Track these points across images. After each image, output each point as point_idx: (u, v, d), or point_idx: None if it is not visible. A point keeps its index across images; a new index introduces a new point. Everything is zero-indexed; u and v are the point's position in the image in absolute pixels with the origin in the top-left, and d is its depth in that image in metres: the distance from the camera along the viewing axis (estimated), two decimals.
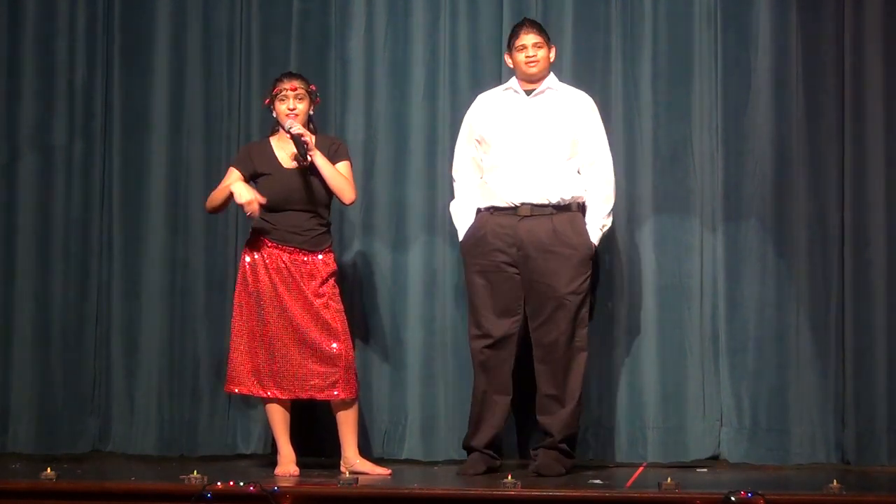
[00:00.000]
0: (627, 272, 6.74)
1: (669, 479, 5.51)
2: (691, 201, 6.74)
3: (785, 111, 6.70)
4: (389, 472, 6.27)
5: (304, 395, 6.24)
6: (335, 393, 6.22)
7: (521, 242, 6.22)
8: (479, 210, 6.33)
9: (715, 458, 6.65)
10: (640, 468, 6.53)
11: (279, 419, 6.27)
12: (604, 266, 6.74)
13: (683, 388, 6.69)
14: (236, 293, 6.29)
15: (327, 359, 6.21)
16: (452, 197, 6.46)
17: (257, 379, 6.24)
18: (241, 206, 6.22)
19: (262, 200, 6.19)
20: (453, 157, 6.49)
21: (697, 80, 6.76)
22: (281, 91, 6.29)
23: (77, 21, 7.11)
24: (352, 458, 6.28)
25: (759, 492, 5.25)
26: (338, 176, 6.26)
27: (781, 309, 6.65)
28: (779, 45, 6.71)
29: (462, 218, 6.36)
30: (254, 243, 6.28)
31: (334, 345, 6.21)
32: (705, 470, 6.49)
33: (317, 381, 6.21)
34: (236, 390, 6.30)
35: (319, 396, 6.24)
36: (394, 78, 6.93)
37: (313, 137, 6.34)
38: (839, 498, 5.38)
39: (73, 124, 7.10)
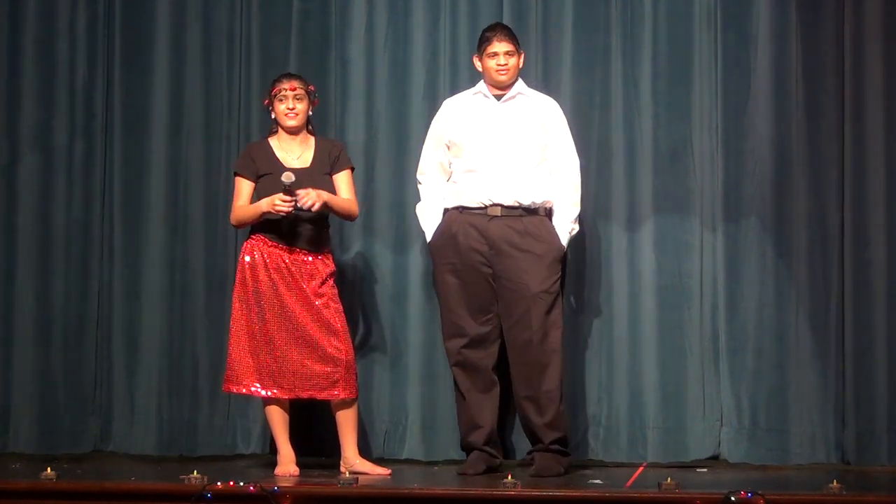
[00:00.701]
0: (627, 272, 6.74)
1: (669, 479, 5.51)
2: (691, 201, 6.74)
3: (785, 111, 6.70)
4: (389, 471, 6.27)
5: (304, 395, 6.24)
6: (335, 393, 6.22)
7: (493, 241, 6.25)
8: (446, 210, 6.37)
9: (715, 458, 6.65)
10: (640, 468, 6.53)
11: (278, 419, 6.27)
12: (604, 266, 6.75)
13: (683, 388, 6.69)
14: (235, 292, 6.29)
15: (328, 358, 6.21)
16: (418, 199, 6.49)
17: (257, 378, 6.23)
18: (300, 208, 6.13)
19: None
20: (419, 160, 6.50)
21: (697, 80, 6.76)
22: (280, 91, 6.30)
23: (77, 22, 7.11)
24: (352, 458, 6.28)
25: (759, 492, 5.26)
26: (343, 205, 6.28)
27: (781, 309, 6.65)
28: (779, 45, 6.71)
29: (429, 219, 6.39)
30: (254, 243, 6.28)
31: (335, 344, 6.21)
32: (705, 470, 6.48)
33: (317, 380, 6.21)
34: (235, 390, 6.30)
35: (320, 396, 6.24)
36: (394, 78, 6.94)
37: (312, 139, 6.35)
38: (839, 498, 5.38)
39: (73, 125, 7.10)
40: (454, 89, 6.79)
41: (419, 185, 6.49)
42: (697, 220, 6.73)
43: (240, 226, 6.34)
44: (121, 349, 7.01)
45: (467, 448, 6.37)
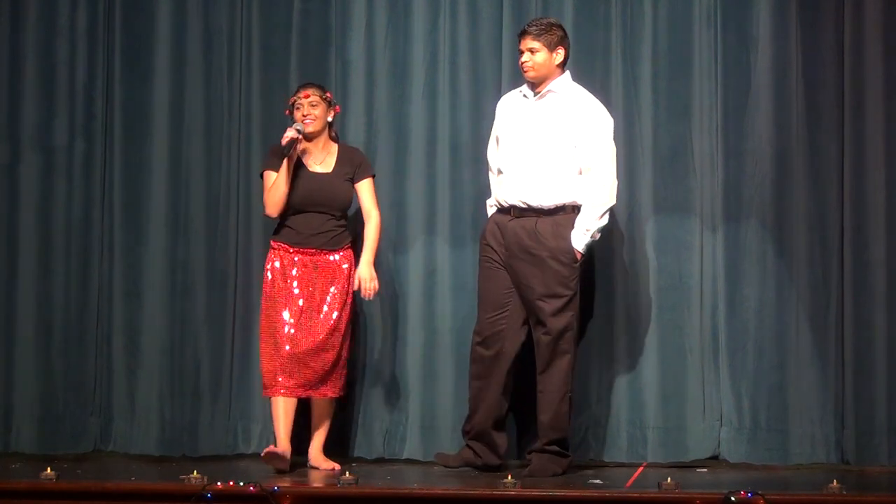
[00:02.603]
0: (627, 272, 6.74)
1: (669, 479, 5.53)
2: (691, 201, 6.74)
3: (785, 111, 6.70)
4: (338, 466, 6.35)
5: (313, 394, 6.37)
6: (327, 392, 6.34)
7: (508, 243, 6.29)
8: None
9: (715, 458, 6.65)
10: (640, 468, 6.53)
11: (285, 413, 6.31)
12: (604, 266, 6.75)
13: (683, 388, 6.69)
14: (263, 299, 6.39)
15: (330, 359, 6.32)
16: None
17: (284, 382, 6.30)
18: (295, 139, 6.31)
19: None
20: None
21: (697, 81, 6.76)
22: (296, 100, 6.42)
23: (77, 22, 7.11)
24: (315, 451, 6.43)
25: (759, 492, 5.27)
26: (375, 238, 6.45)
27: (781, 309, 6.65)
28: (779, 45, 6.71)
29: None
30: (276, 248, 6.39)
31: (338, 346, 6.33)
32: (705, 470, 6.49)
33: (317, 378, 6.33)
34: (270, 395, 6.36)
35: (315, 394, 6.36)
36: (394, 78, 6.94)
37: (334, 146, 6.47)
38: (839, 498, 5.39)
39: (73, 125, 7.10)
40: (454, 90, 6.82)
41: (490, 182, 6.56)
42: (697, 220, 6.73)
43: (278, 207, 6.36)
44: (121, 349, 7.01)
45: (463, 436, 6.42)
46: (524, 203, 6.26)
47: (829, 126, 6.67)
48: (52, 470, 5.67)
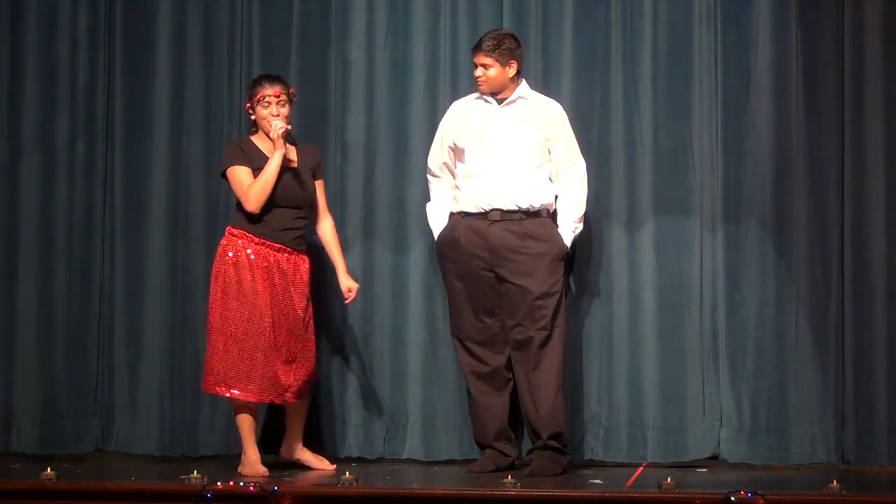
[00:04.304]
0: (627, 272, 6.74)
1: (669, 479, 5.53)
2: (691, 201, 6.74)
3: (785, 111, 6.70)
4: (334, 467, 6.34)
5: (277, 400, 6.31)
6: (295, 397, 6.31)
7: (493, 245, 6.29)
8: (451, 213, 6.43)
9: (715, 458, 6.65)
10: (640, 468, 6.53)
11: (249, 422, 6.28)
12: (604, 266, 6.75)
13: (683, 388, 6.69)
14: (219, 290, 6.28)
15: (299, 362, 6.30)
16: (428, 199, 6.55)
17: (235, 380, 6.23)
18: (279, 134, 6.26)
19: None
20: (427, 159, 6.57)
21: (697, 80, 6.76)
22: (263, 97, 6.32)
23: (78, 23, 7.11)
24: (298, 447, 6.43)
25: (759, 492, 5.28)
26: (340, 247, 6.44)
27: (781, 309, 6.65)
28: (779, 45, 6.71)
29: (436, 220, 6.48)
30: (238, 239, 6.28)
31: (306, 353, 6.32)
32: (705, 470, 6.49)
33: (288, 382, 6.27)
34: (217, 391, 6.28)
35: (278, 401, 6.31)
36: (394, 78, 6.94)
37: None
38: (839, 498, 5.40)
39: (75, 125, 7.10)
40: (454, 90, 6.82)
41: (429, 185, 6.54)
42: (697, 220, 6.73)
43: (262, 201, 6.24)
44: (123, 349, 7.02)
45: (480, 446, 6.43)
46: (516, 205, 6.29)
47: (829, 126, 6.67)
48: (52, 470, 5.67)
